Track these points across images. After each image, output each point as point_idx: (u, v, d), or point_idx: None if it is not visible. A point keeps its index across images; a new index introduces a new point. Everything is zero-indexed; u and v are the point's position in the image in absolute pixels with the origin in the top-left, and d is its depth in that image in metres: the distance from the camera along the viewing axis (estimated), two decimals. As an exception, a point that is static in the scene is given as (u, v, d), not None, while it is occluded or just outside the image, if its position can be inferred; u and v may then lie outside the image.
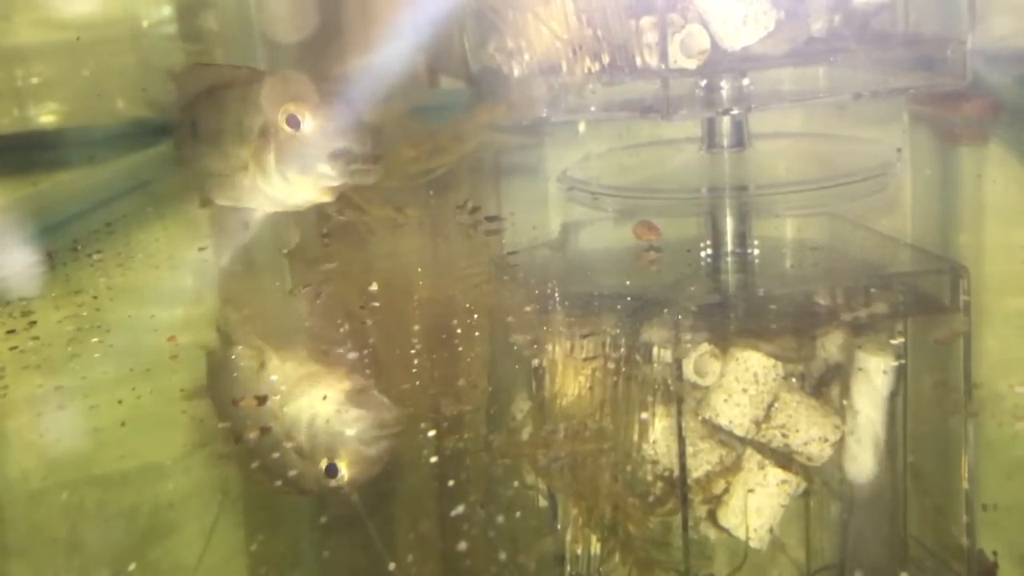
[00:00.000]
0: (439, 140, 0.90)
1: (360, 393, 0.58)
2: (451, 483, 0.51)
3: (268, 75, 0.73)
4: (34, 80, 1.36)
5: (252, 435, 0.56)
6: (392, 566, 0.45)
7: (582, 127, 1.16)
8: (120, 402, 0.62)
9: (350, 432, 0.54)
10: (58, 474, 0.57)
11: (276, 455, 0.54)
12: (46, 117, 1.39)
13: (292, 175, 0.69)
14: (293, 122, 0.68)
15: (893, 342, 0.64)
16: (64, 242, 0.99)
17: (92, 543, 0.49)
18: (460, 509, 0.48)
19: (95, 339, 0.72)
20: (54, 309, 0.79)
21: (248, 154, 0.71)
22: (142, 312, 0.78)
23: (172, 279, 0.89)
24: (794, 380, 0.62)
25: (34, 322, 0.76)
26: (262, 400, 0.59)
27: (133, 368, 0.67)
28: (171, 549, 0.49)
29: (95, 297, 0.82)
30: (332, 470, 0.51)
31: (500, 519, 0.48)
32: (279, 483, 0.52)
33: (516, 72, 0.94)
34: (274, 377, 0.63)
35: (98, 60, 1.38)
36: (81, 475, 0.56)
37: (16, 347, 0.71)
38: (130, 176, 1.23)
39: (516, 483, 0.53)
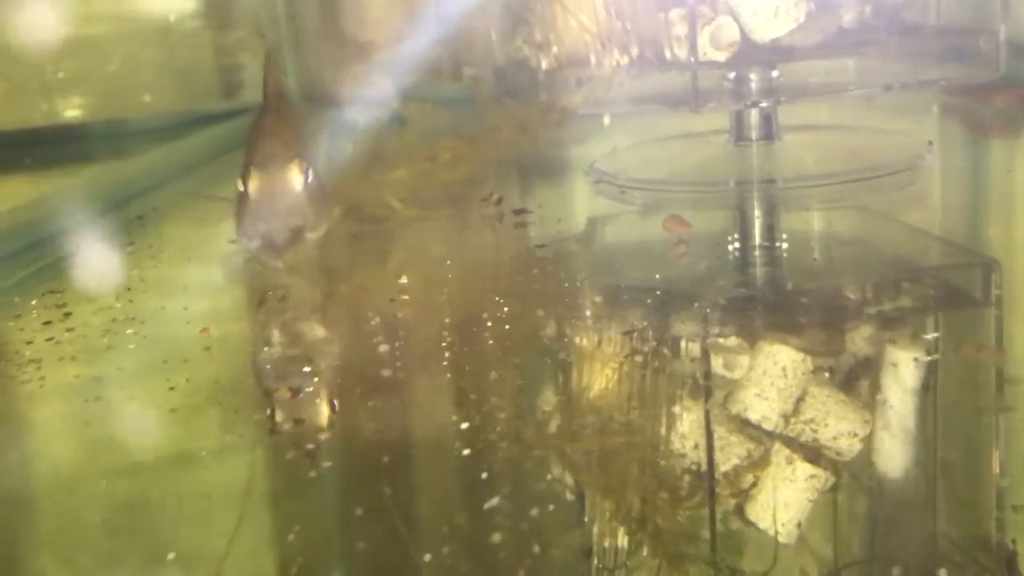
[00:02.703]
0: (457, 151, 0.90)
1: None
2: (478, 476, 0.52)
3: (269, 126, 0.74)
4: (61, 75, 1.38)
5: (287, 426, 0.56)
6: (427, 558, 0.45)
7: (607, 120, 1.16)
8: (154, 393, 0.63)
9: None
10: (91, 464, 0.57)
11: None
12: (74, 111, 1.41)
13: (240, 234, 0.71)
14: (245, 183, 0.70)
15: (926, 337, 0.64)
16: (96, 235, 1.00)
17: (123, 533, 0.50)
18: (494, 502, 0.48)
19: (130, 330, 0.73)
20: (88, 301, 0.80)
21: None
22: (175, 304, 0.78)
23: (204, 271, 0.90)
24: (826, 375, 0.62)
25: (69, 313, 0.77)
26: (296, 391, 0.60)
27: (167, 360, 0.67)
28: (201, 539, 0.49)
29: (128, 289, 0.83)
30: None
31: (528, 512, 0.48)
32: None
33: (544, 65, 0.94)
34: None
35: (125, 55, 1.39)
36: (114, 465, 0.56)
37: (52, 338, 0.72)
38: (160, 170, 1.24)
39: (544, 476, 0.53)
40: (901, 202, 0.92)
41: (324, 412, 0.59)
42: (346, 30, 1.42)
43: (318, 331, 0.73)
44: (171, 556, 0.46)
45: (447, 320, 0.70)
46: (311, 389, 0.61)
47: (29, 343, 0.72)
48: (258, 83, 0.85)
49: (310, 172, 0.71)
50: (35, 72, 1.35)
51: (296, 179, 0.70)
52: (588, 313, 0.72)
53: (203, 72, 1.52)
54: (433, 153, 0.86)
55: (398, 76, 1.06)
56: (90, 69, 1.38)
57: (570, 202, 1.05)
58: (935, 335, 0.65)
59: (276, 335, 0.72)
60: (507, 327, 0.68)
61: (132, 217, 1.07)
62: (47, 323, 0.75)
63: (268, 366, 0.66)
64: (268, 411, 0.59)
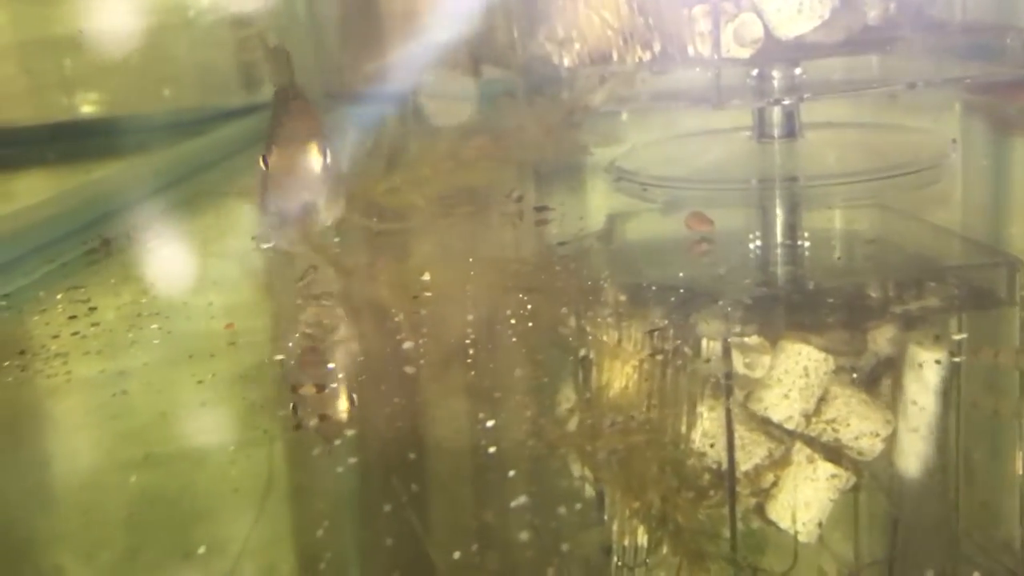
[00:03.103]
0: (482, 150, 0.90)
1: None
2: (498, 473, 0.52)
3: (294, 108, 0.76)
4: (82, 70, 1.38)
5: (312, 422, 0.57)
6: (445, 555, 0.46)
7: (624, 117, 1.16)
8: (181, 387, 0.64)
9: None
10: (115, 457, 0.58)
11: None
12: (95, 106, 1.42)
13: (259, 209, 0.74)
14: (265, 161, 0.72)
15: (949, 337, 0.64)
16: (120, 229, 1.01)
17: (146, 526, 0.50)
18: (514, 500, 0.49)
19: (154, 325, 0.74)
20: (113, 295, 0.81)
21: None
22: (199, 299, 0.79)
23: (227, 266, 0.90)
24: (854, 375, 0.61)
25: (94, 308, 0.78)
26: (321, 388, 0.61)
27: (193, 354, 0.68)
28: (222, 532, 0.50)
29: (153, 284, 0.84)
30: None
31: (548, 510, 0.48)
32: None
33: (566, 61, 0.93)
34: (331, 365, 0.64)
35: (146, 49, 1.40)
36: (137, 458, 0.57)
37: (77, 332, 0.73)
38: (181, 164, 1.25)
39: (565, 474, 0.53)
40: (924, 201, 0.92)
41: (348, 408, 0.59)
42: (367, 27, 1.42)
43: (342, 327, 0.74)
44: (201, 550, 0.47)
45: (469, 317, 0.70)
46: (336, 385, 0.61)
47: (55, 337, 0.72)
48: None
49: (328, 154, 0.73)
50: (56, 67, 1.36)
51: (314, 159, 0.72)
52: (609, 311, 0.72)
53: (223, 67, 1.53)
54: (457, 151, 0.87)
55: (418, 73, 1.06)
56: (112, 64, 1.38)
57: (591, 200, 1.05)
58: (958, 335, 0.64)
59: (300, 331, 0.72)
60: (529, 324, 0.68)
61: (155, 212, 1.08)
62: (72, 317, 0.76)
63: (293, 362, 0.66)
64: (293, 406, 0.59)
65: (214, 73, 1.52)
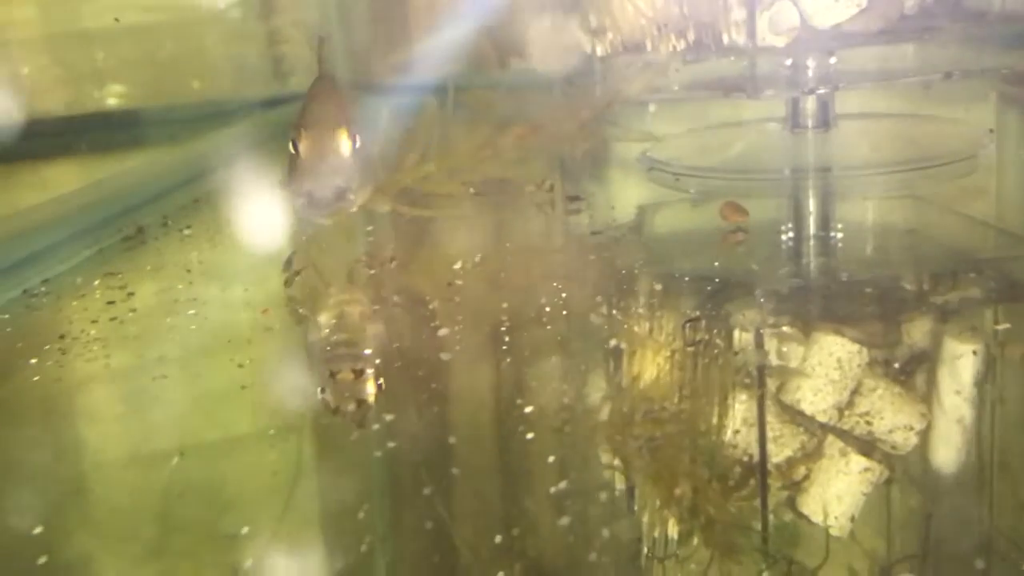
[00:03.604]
0: (519, 139, 0.90)
1: None
2: (529, 462, 0.52)
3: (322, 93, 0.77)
4: (113, 62, 1.40)
5: (350, 407, 0.58)
6: (472, 544, 0.46)
7: (652, 109, 1.15)
8: (220, 372, 0.65)
9: None
10: (150, 445, 0.59)
11: None
12: (124, 98, 1.43)
13: (288, 193, 0.74)
14: (295, 145, 0.73)
15: (984, 330, 0.63)
16: (155, 217, 1.02)
17: (177, 515, 0.51)
18: (543, 489, 0.49)
19: (191, 311, 0.74)
20: (150, 281, 0.82)
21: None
22: (235, 285, 0.80)
23: (260, 253, 0.91)
24: (894, 367, 0.61)
25: (132, 294, 0.79)
26: (359, 373, 0.61)
27: (231, 340, 0.69)
28: (265, 515, 0.50)
29: (188, 271, 0.85)
30: None
31: (578, 499, 0.48)
32: None
33: (599, 51, 0.93)
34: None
35: (175, 41, 1.41)
36: (177, 443, 0.58)
37: (116, 318, 0.74)
38: (210, 154, 1.26)
39: (595, 464, 0.53)
40: (959, 192, 0.91)
41: (383, 394, 0.60)
42: (395, 18, 1.43)
43: (377, 314, 0.74)
44: (245, 530, 0.48)
45: (502, 305, 0.70)
46: (371, 371, 0.62)
47: (94, 322, 0.73)
48: (306, 70, 0.87)
49: (357, 138, 0.74)
50: (88, 59, 1.38)
51: (344, 143, 0.73)
52: (642, 301, 0.72)
53: (253, 59, 1.54)
54: (493, 141, 0.87)
55: (448, 63, 1.06)
56: (141, 56, 1.40)
57: (622, 190, 1.05)
58: (994, 328, 0.64)
59: (336, 317, 0.73)
60: (563, 312, 0.69)
61: (188, 201, 1.09)
62: (110, 303, 0.77)
63: (328, 348, 0.67)
64: (326, 392, 0.60)
65: (244, 65, 1.53)
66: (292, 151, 0.73)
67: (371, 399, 0.59)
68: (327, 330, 0.70)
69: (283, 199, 0.77)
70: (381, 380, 0.61)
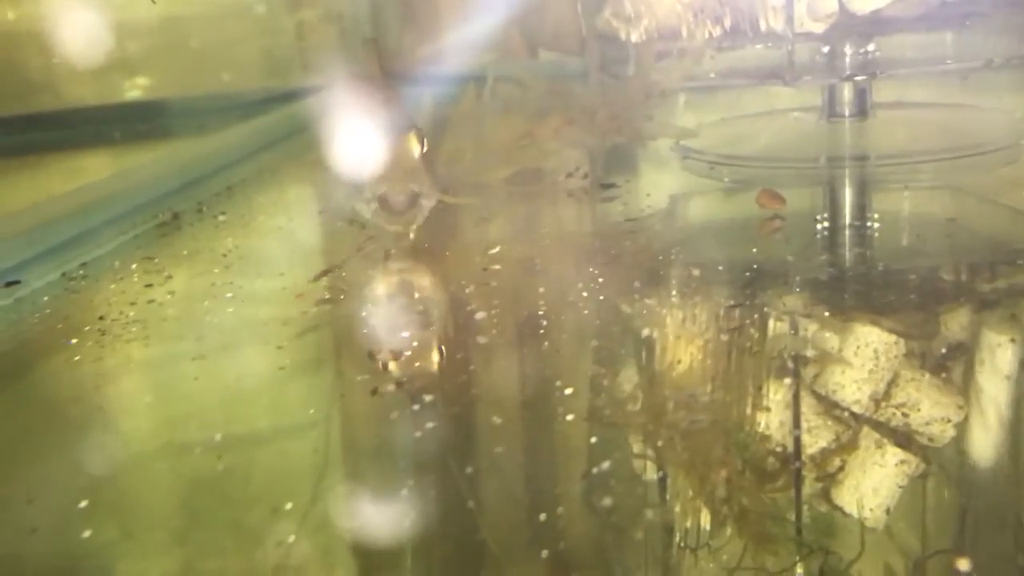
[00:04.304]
0: (557, 129, 0.90)
1: None
2: (562, 449, 0.52)
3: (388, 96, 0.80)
4: (142, 53, 1.41)
5: (389, 388, 0.58)
6: (499, 532, 0.46)
7: (683, 99, 1.15)
8: (254, 353, 0.65)
9: None
10: (188, 425, 0.59)
11: None
12: (153, 89, 1.44)
13: (354, 197, 0.76)
14: (364, 149, 0.74)
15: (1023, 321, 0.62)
16: (189, 204, 1.03)
17: (205, 504, 0.51)
18: (576, 476, 0.49)
19: (228, 294, 0.75)
20: (187, 266, 0.83)
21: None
22: (269, 270, 0.80)
23: (294, 240, 0.92)
24: (931, 358, 0.60)
25: (170, 277, 0.80)
26: (398, 355, 0.62)
27: (267, 323, 0.69)
28: (283, 511, 0.50)
29: (224, 255, 0.85)
30: None
31: (610, 487, 0.48)
32: None
33: (634, 38, 0.93)
34: None
35: (205, 33, 1.42)
36: (217, 422, 0.58)
37: (153, 300, 0.75)
38: (243, 143, 1.27)
39: (628, 452, 0.53)
40: (998, 182, 0.89)
41: (423, 376, 0.60)
42: (425, 9, 1.43)
43: (416, 298, 0.75)
44: (288, 506, 0.48)
45: (539, 290, 0.70)
46: (410, 353, 0.62)
47: (132, 304, 0.74)
48: (333, 62, 0.88)
49: (425, 142, 0.74)
50: (120, 50, 1.39)
51: (414, 147, 0.74)
52: (678, 289, 0.71)
53: (281, 51, 1.55)
54: (530, 130, 0.87)
55: (475, 55, 1.07)
56: (171, 48, 1.41)
57: (657, 178, 1.04)
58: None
59: (377, 301, 0.73)
60: (600, 298, 0.68)
61: (222, 188, 1.10)
62: (148, 286, 0.78)
63: (365, 330, 0.67)
64: (370, 373, 0.60)
65: (272, 56, 1.54)
66: (360, 154, 0.74)
67: (409, 380, 0.59)
68: (364, 312, 0.70)
69: (349, 203, 0.78)
70: (419, 363, 0.61)
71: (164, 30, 1.39)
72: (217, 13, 1.46)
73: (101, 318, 0.71)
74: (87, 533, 0.47)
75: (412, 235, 0.78)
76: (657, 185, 1.01)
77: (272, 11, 1.54)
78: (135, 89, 1.42)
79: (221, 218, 0.99)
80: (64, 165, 1.24)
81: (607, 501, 0.47)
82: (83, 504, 0.49)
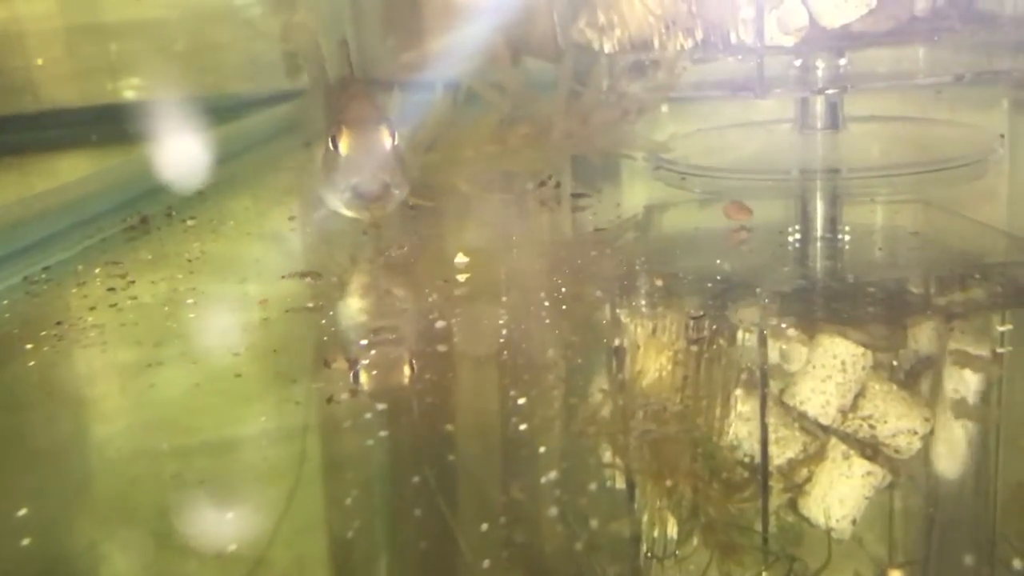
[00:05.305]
0: (528, 138, 0.90)
1: None
2: (527, 458, 0.51)
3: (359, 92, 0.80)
4: (126, 55, 1.40)
5: (343, 396, 0.57)
6: (470, 540, 0.46)
7: (664, 109, 1.15)
8: (213, 359, 0.64)
9: None
10: (152, 438, 0.58)
11: None
12: (138, 91, 1.43)
13: (325, 190, 0.76)
14: (334, 141, 0.74)
15: (991, 335, 0.62)
16: (159, 207, 1.02)
17: (178, 510, 0.50)
18: (542, 486, 0.48)
19: (190, 300, 0.74)
20: (151, 271, 0.82)
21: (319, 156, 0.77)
22: (234, 276, 0.80)
23: (263, 246, 0.91)
24: (899, 370, 0.60)
25: (132, 282, 0.79)
26: (353, 363, 0.61)
27: (226, 330, 0.69)
28: (251, 519, 0.50)
29: (189, 260, 0.85)
30: None
31: (576, 497, 0.48)
32: None
33: (607, 48, 0.93)
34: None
35: (188, 36, 1.41)
36: (167, 432, 0.57)
37: (115, 305, 0.74)
38: (216, 147, 1.26)
39: (595, 461, 0.53)
40: (969, 196, 0.90)
41: (380, 384, 0.60)
42: (407, 16, 1.43)
43: (377, 305, 0.74)
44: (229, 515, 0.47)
45: (503, 299, 0.70)
46: (367, 361, 0.62)
47: (92, 308, 0.73)
48: (314, 67, 0.89)
49: (396, 135, 0.76)
50: (102, 52, 1.38)
51: (386, 139, 0.75)
52: (645, 299, 0.71)
53: (265, 54, 1.54)
54: (501, 136, 0.86)
55: (457, 63, 1.07)
56: (154, 50, 1.40)
57: (628, 188, 1.04)
58: (1000, 333, 0.63)
59: (337, 307, 0.73)
60: (563, 308, 0.68)
61: (192, 192, 1.09)
62: (111, 290, 0.77)
63: (325, 337, 0.67)
64: (324, 382, 0.60)
65: (256, 60, 1.53)
66: (331, 148, 0.75)
67: (365, 388, 0.59)
68: (324, 320, 0.70)
69: (321, 194, 0.78)
70: (375, 371, 0.61)
71: (146, 32, 1.38)
72: (200, 15, 1.45)
73: (59, 323, 0.70)
74: (25, 542, 0.46)
75: (381, 225, 0.80)
76: (629, 195, 1.01)
77: (258, 15, 1.54)
78: (116, 91, 1.41)
79: (190, 223, 0.98)
80: (41, 167, 1.22)
81: (573, 510, 0.47)
82: (21, 512, 0.48)
